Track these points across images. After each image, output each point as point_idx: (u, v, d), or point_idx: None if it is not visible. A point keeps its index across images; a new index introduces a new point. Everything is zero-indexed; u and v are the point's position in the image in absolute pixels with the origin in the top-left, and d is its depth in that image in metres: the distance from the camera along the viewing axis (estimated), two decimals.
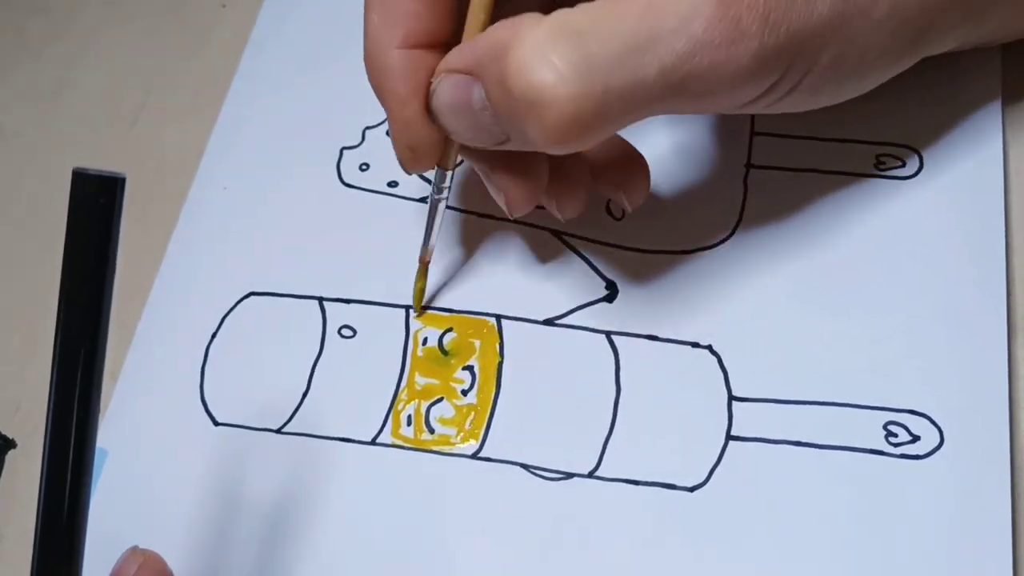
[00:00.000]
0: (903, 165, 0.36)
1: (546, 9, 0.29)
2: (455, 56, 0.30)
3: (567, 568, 0.31)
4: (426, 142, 0.32)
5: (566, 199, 0.34)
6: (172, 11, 0.49)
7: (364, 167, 0.41)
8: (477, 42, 0.29)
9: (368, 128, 0.42)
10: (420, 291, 0.36)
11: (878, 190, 0.35)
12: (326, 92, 0.43)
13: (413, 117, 0.31)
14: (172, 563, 0.32)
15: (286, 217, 0.40)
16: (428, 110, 0.31)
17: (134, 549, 0.33)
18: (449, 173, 0.33)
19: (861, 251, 0.34)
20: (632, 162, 0.35)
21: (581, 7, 0.28)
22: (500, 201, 0.34)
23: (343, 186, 0.41)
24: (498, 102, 0.28)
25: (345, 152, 0.42)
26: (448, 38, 0.32)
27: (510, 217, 0.34)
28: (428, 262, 0.36)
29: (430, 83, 0.31)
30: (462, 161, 0.36)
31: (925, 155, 0.36)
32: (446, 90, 0.30)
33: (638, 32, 0.27)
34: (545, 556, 0.32)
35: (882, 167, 0.36)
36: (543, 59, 0.27)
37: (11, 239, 0.44)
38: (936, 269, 0.33)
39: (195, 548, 0.34)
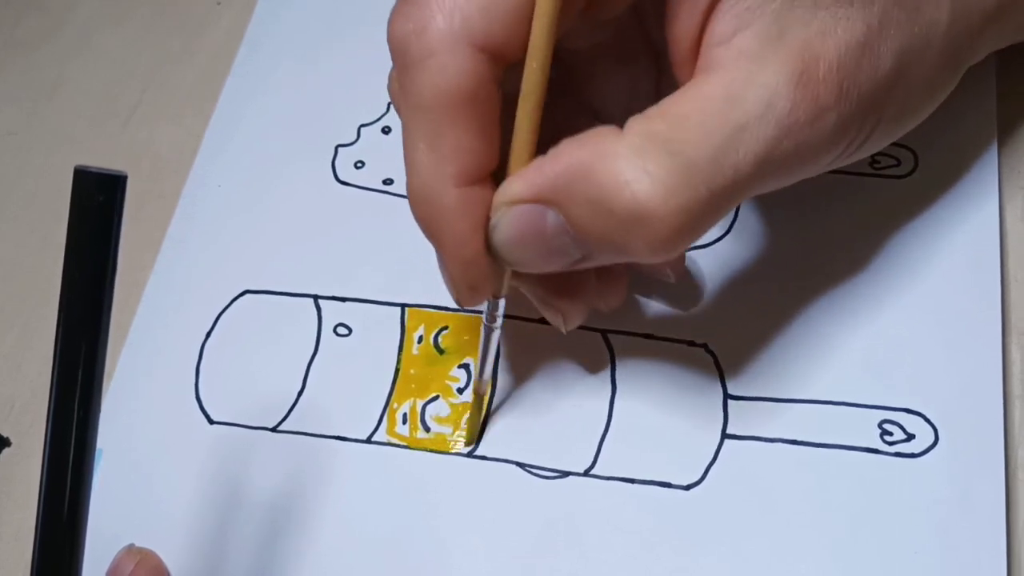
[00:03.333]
0: (898, 164, 0.36)
1: (553, 91, 0.28)
2: (517, 186, 0.28)
3: (563, 566, 0.31)
4: (488, 278, 0.30)
5: (611, 294, 0.34)
6: (167, 9, 0.49)
7: (359, 165, 0.41)
8: (544, 167, 0.28)
9: (363, 126, 0.42)
10: (475, 425, 0.34)
11: (873, 188, 0.35)
12: (321, 90, 0.43)
13: (475, 256, 0.29)
14: (168, 561, 0.33)
15: (281, 215, 0.40)
16: (487, 246, 0.29)
17: (130, 547, 0.33)
18: (502, 301, 0.32)
19: (856, 249, 0.34)
20: None
21: (655, 112, 0.27)
22: (555, 321, 0.33)
23: (338, 184, 0.41)
24: (590, 225, 0.27)
25: (340, 150, 0.42)
26: (496, 168, 0.30)
27: (563, 332, 0.33)
28: (484, 394, 0.34)
29: (487, 218, 0.29)
30: None
31: (920, 154, 0.36)
32: (512, 223, 0.28)
33: (726, 127, 0.26)
34: (541, 554, 0.32)
35: (877, 165, 0.36)
36: (642, 172, 0.26)
37: (4, 237, 0.44)
38: (931, 267, 0.34)
39: (191, 546, 0.34)
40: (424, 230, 0.30)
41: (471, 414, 0.34)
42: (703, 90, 0.27)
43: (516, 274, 0.31)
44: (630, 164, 0.26)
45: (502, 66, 0.29)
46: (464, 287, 0.30)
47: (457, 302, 0.31)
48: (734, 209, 0.28)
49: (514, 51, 0.28)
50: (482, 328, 0.32)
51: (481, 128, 0.29)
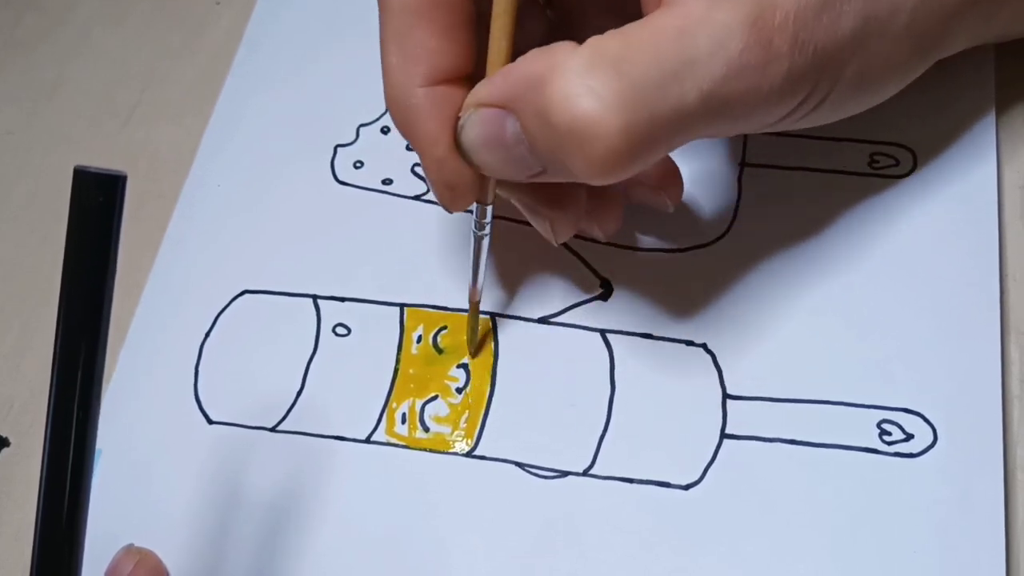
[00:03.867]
0: (897, 163, 0.36)
1: (553, 35, 0.28)
2: (484, 89, 0.29)
3: (562, 566, 0.31)
4: (463, 179, 0.31)
5: (605, 218, 0.34)
6: (166, 8, 0.49)
7: (358, 164, 0.41)
8: (508, 74, 0.28)
9: (362, 125, 0.42)
10: (474, 331, 0.35)
11: (872, 188, 0.35)
12: (320, 89, 0.43)
13: (445, 155, 0.30)
14: (167, 561, 0.33)
15: (280, 215, 0.40)
16: (457, 146, 0.30)
17: (129, 547, 0.33)
18: (489, 208, 0.32)
19: (855, 249, 0.34)
20: (662, 162, 0.34)
21: (613, 34, 0.27)
22: (544, 231, 0.33)
23: (337, 184, 0.41)
24: (537, 135, 0.27)
25: (339, 149, 0.42)
26: (470, 71, 0.31)
27: (554, 244, 0.34)
28: (478, 301, 0.35)
29: (458, 119, 0.30)
30: None
31: (919, 153, 0.36)
32: (476, 125, 0.29)
33: (676, 57, 0.26)
34: (540, 554, 0.32)
35: (876, 165, 0.36)
36: (586, 89, 0.26)
37: (4, 237, 0.44)
38: (930, 267, 0.34)
39: (190, 546, 0.34)
40: (399, 130, 0.31)
41: (468, 322, 0.35)
42: (659, 22, 0.27)
43: (502, 182, 0.32)
44: (577, 79, 0.26)
45: None
46: (441, 186, 0.31)
47: (441, 204, 0.32)
48: (677, 147, 0.28)
49: None
50: (471, 235, 0.33)
51: (447, 30, 0.30)
